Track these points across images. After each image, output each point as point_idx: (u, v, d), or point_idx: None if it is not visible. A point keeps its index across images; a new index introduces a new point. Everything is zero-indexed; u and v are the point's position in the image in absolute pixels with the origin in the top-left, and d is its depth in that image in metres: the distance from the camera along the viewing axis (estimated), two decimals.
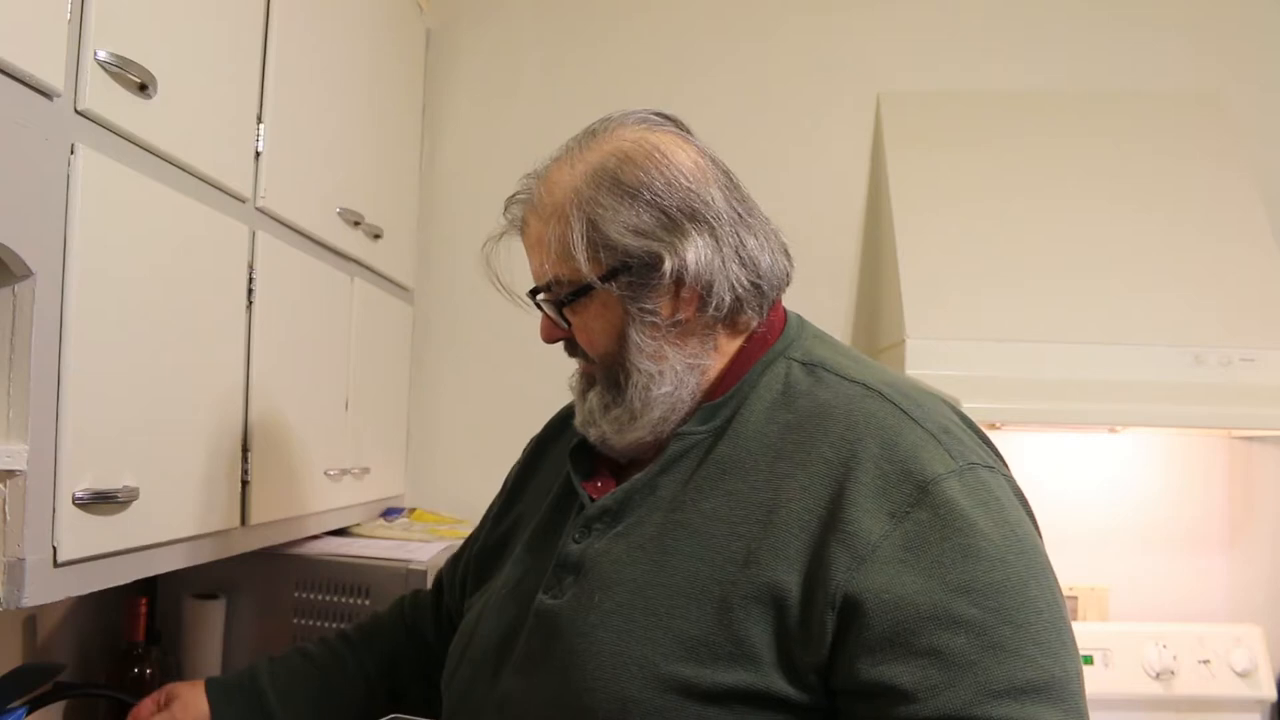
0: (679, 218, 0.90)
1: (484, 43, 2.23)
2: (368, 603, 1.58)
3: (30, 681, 1.20)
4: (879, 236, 2.00)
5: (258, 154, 1.32)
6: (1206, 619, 1.94)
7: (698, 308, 0.92)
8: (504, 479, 1.18)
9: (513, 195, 0.99)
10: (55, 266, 0.93)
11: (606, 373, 0.94)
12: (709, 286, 0.91)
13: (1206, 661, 1.81)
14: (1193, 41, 2.07)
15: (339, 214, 1.62)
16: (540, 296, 0.96)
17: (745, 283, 0.93)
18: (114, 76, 0.99)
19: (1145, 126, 1.95)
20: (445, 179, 2.22)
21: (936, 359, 1.65)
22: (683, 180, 0.91)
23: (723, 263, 0.91)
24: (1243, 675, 1.80)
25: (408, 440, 2.15)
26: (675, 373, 0.92)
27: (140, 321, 1.07)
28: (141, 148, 1.06)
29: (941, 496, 0.80)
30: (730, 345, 0.95)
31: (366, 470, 1.79)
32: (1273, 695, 1.81)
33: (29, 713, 1.21)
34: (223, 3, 1.23)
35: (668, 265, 0.89)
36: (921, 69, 2.12)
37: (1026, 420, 1.64)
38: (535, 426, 1.18)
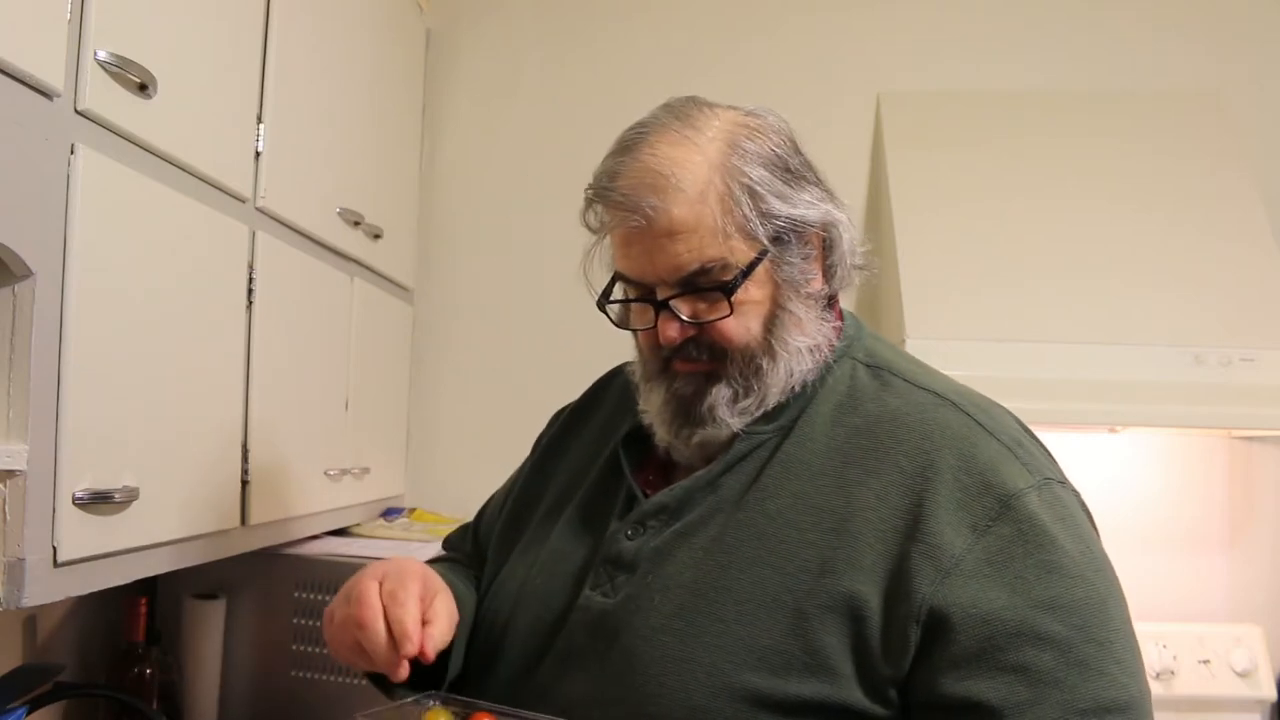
0: (825, 186, 0.92)
1: (484, 43, 2.23)
2: None
3: (30, 681, 1.20)
4: (879, 236, 2.00)
5: (258, 154, 1.32)
6: (1206, 619, 1.94)
7: (824, 280, 0.92)
8: (532, 447, 1.13)
9: (604, 188, 0.87)
10: (55, 266, 0.93)
11: (745, 363, 0.88)
12: (839, 260, 0.92)
13: (1206, 661, 1.81)
14: (1193, 41, 2.07)
15: (339, 214, 1.62)
16: (674, 294, 0.87)
17: (854, 263, 0.94)
18: (114, 76, 0.99)
19: (1145, 126, 1.95)
20: (445, 179, 2.22)
21: (936, 359, 1.61)
22: (806, 155, 0.92)
23: (851, 235, 0.92)
24: (1243, 675, 1.80)
25: (408, 440, 2.15)
26: (814, 348, 0.90)
27: (140, 321, 1.07)
28: (141, 148, 1.06)
29: (1024, 511, 0.80)
30: None
31: (366, 470, 1.79)
32: (1273, 695, 1.81)
33: (29, 713, 1.21)
34: (223, 3, 1.23)
35: (836, 232, 0.90)
36: (921, 69, 2.12)
37: (1027, 420, 1.64)
38: (536, 426, 1.17)
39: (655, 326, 0.89)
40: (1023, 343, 1.68)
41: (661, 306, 0.88)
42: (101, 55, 0.97)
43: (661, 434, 0.92)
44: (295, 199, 1.44)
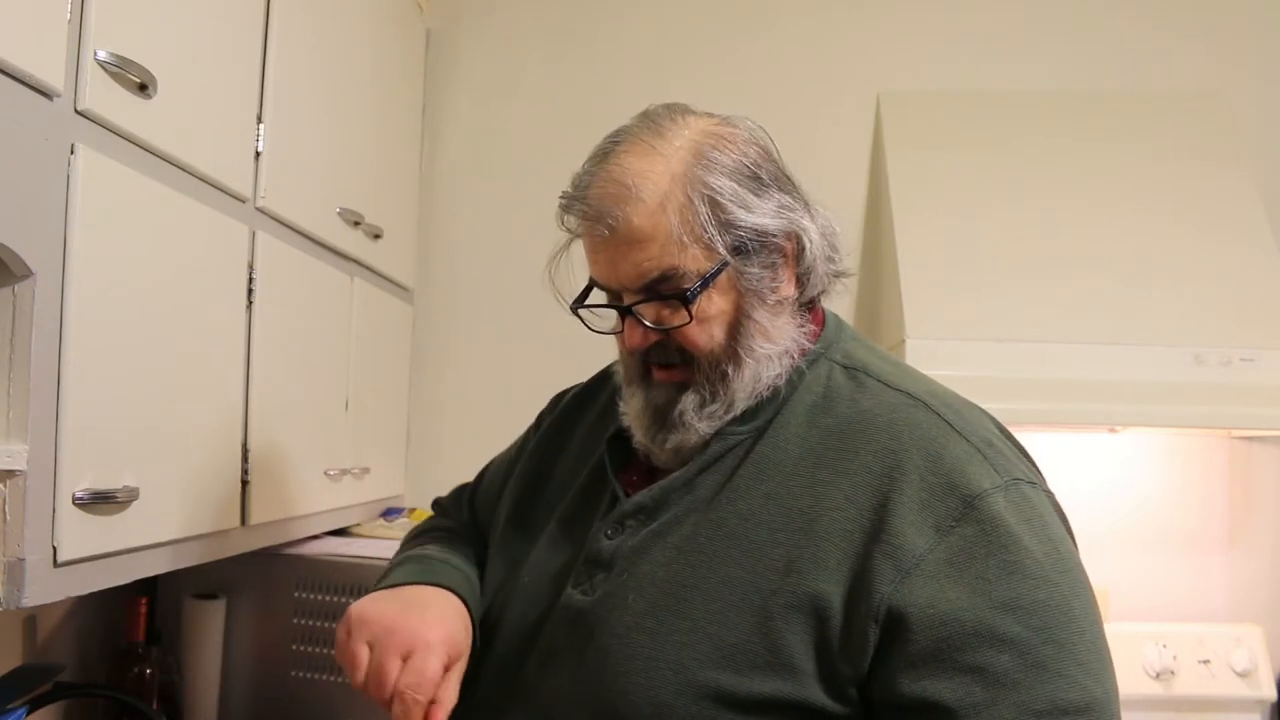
0: (798, 195, 0.92)
1: (484, 43, 2.23)
2: None
3: (30, 681, 1.21)
4: (879, 236, 2.00)
5: (258, 154, 1.32)
6: (1206, 619, 1.94)
7: (796, 287, 0.93)
8: (537, 420, 1.13)
9: (573, 198, 0.90)
10: (55, 266, 0.93)
11: (711, 369, 0.90)
12: (810, 268, 0.92)
13: (1206, 661, 1.81)
14: (1193, 41, 2.07)
15: (339, 214, 1.62)
16: (638, 300, 0.88)
17: (831, 269, 0.94)
18: (114, 76, 0.99)
19: (1145, 126, 1.95)
20: (445, 179, 2.22)
21: (936, 359, 1.65)
22: (781, 163, 0.93)
23: (822, 244, 0.93)
24: (1243, 675, 1.80)
25: (408, 440, 2.15)
26: (783, 354, 0.91)
27: (140, 321, 1.07)
28: (141, 148, 1.06)
29: (988, 512, 0.80)
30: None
31: (366, 470, 1.79)
32: (1273, 695, 1.81)
33: (29, 713, 1.21)
34: (223, 3, 1.23)
35: (802, 241, 0.91)
36: (921, 69, 2.12)
37: (1026, 420, 1.64)
38: None
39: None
40: (1023, 343, 1.68)
41: (627, 312, 0.90)
42: (101, 55, 0.97)
43: (639, 438, 0.94)
44: (295, 199, 1.44)
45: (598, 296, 0.94)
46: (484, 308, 2.20)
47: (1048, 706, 0.75)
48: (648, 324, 0.89)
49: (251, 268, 1.31)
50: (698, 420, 0.90)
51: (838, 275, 0.96)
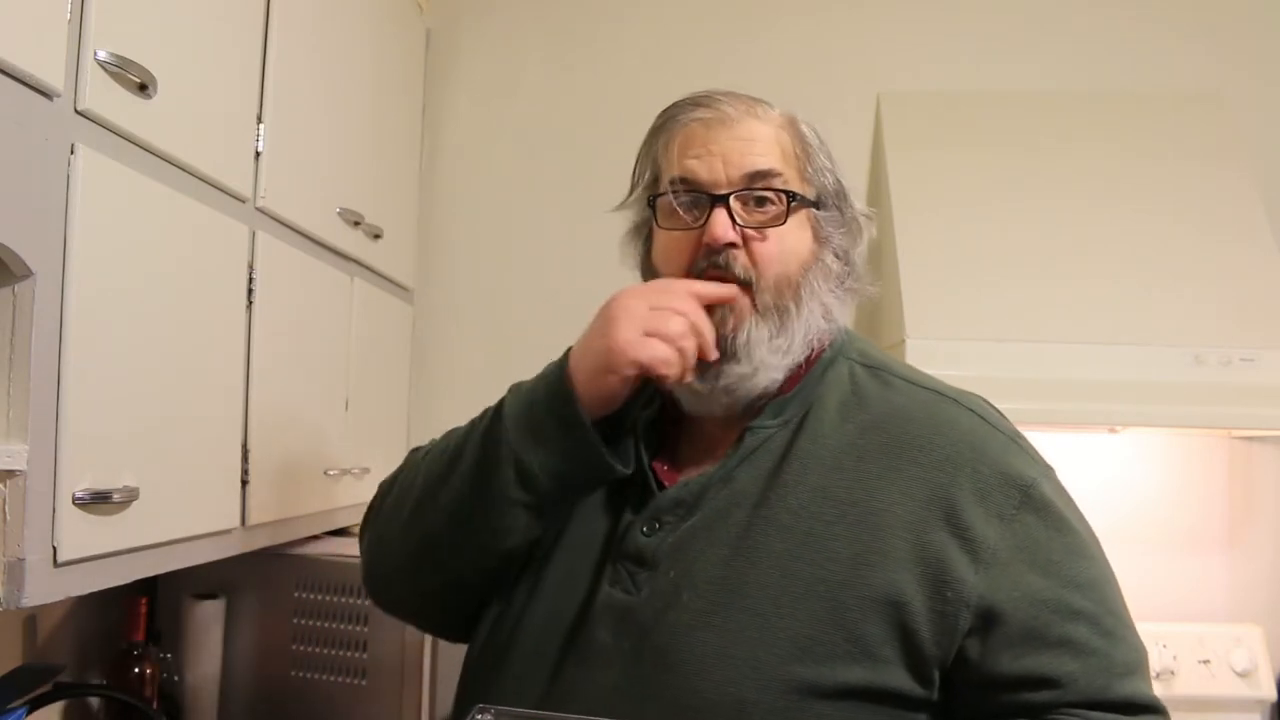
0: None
1: (484, 43, 2.23)
2: (367, 602, 1.58)
3: (30, 681, 1.21)
4: (879, 236, 1.99)
5: (258, 154, 1.32)
6: (1206, 619, 1.94)
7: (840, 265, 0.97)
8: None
9: (698, 94, 0.95)
10: (55, 266, 0.93)
11: (776, 299, 0.91)
12: (856, 261, 0.98)
13: (1206, 661, 1.81)
14: (1193, 41, 2.07)
15: (339, 214, 1.62)
16: (734, 196, 0.91)
17: (865, 274, 1.00)
18: (114, 76, 0.99)
19: (1145, 126, 1.95)
20: (445, 179, 2.22)
21: (936, 359, 1.64)
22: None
23: (864, 250, 1.00)
24: (1243, 675, 1.80)
25: (408, 440, 2.14)
26: (830, 314, 0.95)
27: (140, 321, 1.07)
28: (141, 148, 1.06)
29: (1041, 499, 0.86)
30: None
31: (366, 470, 1.79)
32: (1273, 695, 1.81)
33: (29, 713, 1.21)
34: (223, 3, 1.23)
35: (863, 227, 0.98)
36: (921, 69, 2.12)
37: (1026, 420, 1.62)
38: None
39: (703, 227, 0.91)
40: (1023, 343, 1.67)
41: (719, 202, 0.91)
42: (101, 55, 0.97)
43: (707, 376, 0.93)
44: (295, 199, 1.44)
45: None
46: (484, 308, 2.20)
47: (1123, 668, 0.83)
48: (738, 220, 0.91)
49: (251, 268, 1.31)
50: (768, 353, 0.91)
51: (857, 289, 1.00)
